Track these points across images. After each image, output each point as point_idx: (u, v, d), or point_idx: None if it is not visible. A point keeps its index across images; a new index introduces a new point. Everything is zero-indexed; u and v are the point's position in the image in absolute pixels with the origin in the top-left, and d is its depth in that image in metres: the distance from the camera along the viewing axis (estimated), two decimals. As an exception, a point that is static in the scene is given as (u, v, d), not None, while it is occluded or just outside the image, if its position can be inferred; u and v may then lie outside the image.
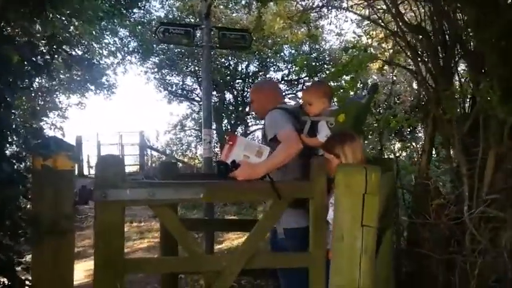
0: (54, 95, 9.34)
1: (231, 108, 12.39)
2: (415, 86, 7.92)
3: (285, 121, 2.23)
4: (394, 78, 7.58)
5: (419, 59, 3.83)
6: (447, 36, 3.63)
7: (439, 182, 3.66)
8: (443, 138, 3.49)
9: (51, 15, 1.98)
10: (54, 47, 1.73)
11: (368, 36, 5.34)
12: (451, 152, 3.30)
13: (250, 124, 12.89)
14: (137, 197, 1.76)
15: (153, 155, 13.61)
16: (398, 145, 7.78)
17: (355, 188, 1.24)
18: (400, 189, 3.31)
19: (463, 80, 3.95)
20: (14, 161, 1.59)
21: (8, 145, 1.54)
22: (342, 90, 5.52)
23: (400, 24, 3.77)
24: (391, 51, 5.20)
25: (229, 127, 12.25)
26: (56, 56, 1.71)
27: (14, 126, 1.54)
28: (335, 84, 5.31)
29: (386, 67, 5.96)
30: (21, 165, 1.75)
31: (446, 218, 2.43)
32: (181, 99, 13.05)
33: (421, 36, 3.78)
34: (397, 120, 4.51)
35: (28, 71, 1.66)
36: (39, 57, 1.67)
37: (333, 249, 1.30)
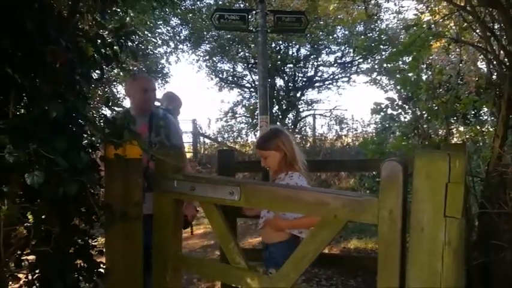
0: (112, 85, 9.79)
1: (281, 93, 12.31)
2: (479, 65, 7.38)
3: None
4: (458, 57, 7.11)
5: (490, 35, 3.54)
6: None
7: None
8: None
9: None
10: (123, 38, 1.76)
11: (431, 12, 5.01)
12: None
13: (301, 110, 12.74)
14: (182, 190, 1.77)
15: (205, 143, 13.91)
16: (461, 129, 7.33)
17: (438, 177, 1.16)
18: (469, 176, 3.11)
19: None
20: (90, 150, 1.65)
21: (84, 135, 1.60)
22: (403, 72, 5.27)
23: (470, -3, 3.50)
24: (453, 28, 4.86)
25: (280, 113, 12.20)
26: (125, 47, 1.74)
27: (89, 116, 1.60)
28: (395, 65, 5.07)
29: (451, 46, 5.60)
30: (95, 154, 1.83)
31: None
32: (232, 86, 13.18)
33: (493, 10, 3.48)
34: (465, 102, 4.23)
35: (100, 63, 1.71)
36: (108, 48, 1.71)
37: (410, 241, 1.23)
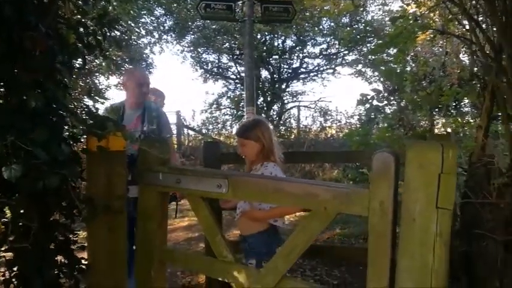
0: (94, 76, 9.57)
1: (267, 85, 12.26)
2: (462, 57, 7.47)
3: None
4: (443, 48, 7.17)
5: (476, 26, 3.56)
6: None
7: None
8: (502, 113, 3.26)
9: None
10: (106, 26, 1.70)
11: (417, 4, 5.02)
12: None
13: (286, 101, 12.72)
14: (167, 183, 1.73)
15: (189, 134, 13.79)
16: (443, 120, 7.44)
17: (431, 167, 1.14)
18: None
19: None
20: (71, 142, 1.59)
21: (65, 126, 1.53)
22: (388, 64, 5.29)
23: (457, -11, 3.50)
24: (438, 20, 4.89)
25: (265, 105, 12.16)
26: (108, 35, 1.67)
27: (70, 107, 1.53)
28: (379, 56, 5.07)
29: (436, 38, 5.63)
30: (77, 146, 1.77)
31: (511, 198, 2.27)
32: (217, 78, 13.05)
33: (478, 2, 3.50)
34: (448, 94, 4.27)
35: (82, 51, 1.64)
36: (91, 37, 1.64)
37: (401, 232, 1.22)
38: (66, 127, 1.61)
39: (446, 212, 1.15)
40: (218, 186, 1.58)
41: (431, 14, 5.04)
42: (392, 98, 4.03)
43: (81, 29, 1.52)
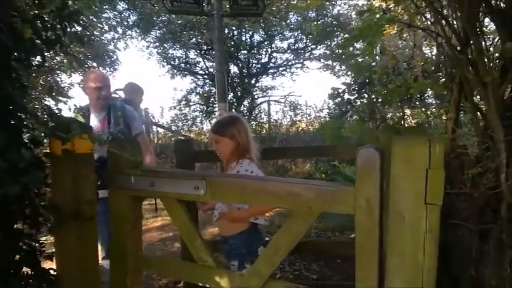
0: (55, 74, 9.17)
1: (236, 80, 12.15)
2: (424, 50, 7.64)
3: None
4: (410, 42, 7.30)
5: (442, 19, 3.61)
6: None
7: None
8: (470, 104, 3.33)
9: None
10: (67, 20, 1.57)
11: (382, -3, 5.06)
12: (479, 118, 3.14)
13: (256, 97, 12.67)
14: (140, 186, 1.62)
15: (159, 132, 13.50)
16: (408, 112, 7.61)
17: (418, 163, 1.11)
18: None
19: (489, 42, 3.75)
20: (32, 146, 1.46)
21: (24, 129, 1.40)
22: (354, 58, 5.31)
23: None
24: (402, 14, 4.95)
25: (235, 100, 12.06)
26: (69, 29, 1.54)
27: (29, 108, 1.40)
28: (347, 50, 5.09)
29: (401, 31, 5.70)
30: (39, 150, 1.63)
31: (484, 187, 2.31)
32: (184, 74, 12.82)
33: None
34: (416, 86, 4.33)
35: (40, 47, 1.50)
36: (50, 31, 1.51)
37: (390, 230, 1.18)
38: (25, 130, 1.48)
39: (435, 208, 1.12)
40: (195, 188, 1.49)
41: (397, 8, 5.11)
42: (363, 91, 4.05)
43: (39, 23, 1.38)
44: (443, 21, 3.65)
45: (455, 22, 3.63)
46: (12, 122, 1.29)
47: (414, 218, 1.13)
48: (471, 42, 3.41)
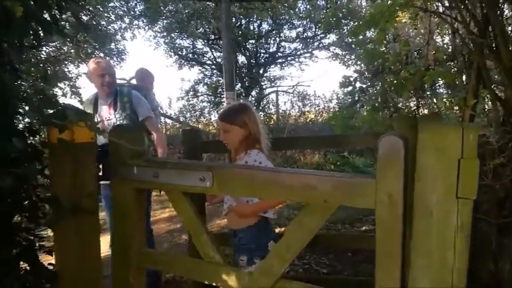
0: (63, 65, 9.12)
1: (244, 70, 11.99)
2: (435, 38, 7.41)
3: None
4: (416, 30, 7.08)
5: (459, 2, 3.44)
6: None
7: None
8: (490, 92, 3.17)
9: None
10: (63, 0, 1.46)
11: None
12: (498, 106, 2.99)
13: (264, 87, 12.51)
14: (143, 177, 1.51)
15: (167, 123, 13.43)
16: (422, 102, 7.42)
17: (449, 152, 0.99)
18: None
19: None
20: (28, 135, 1.37)
21: (20, 117, 1.30)
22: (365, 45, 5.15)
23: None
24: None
25: (243, 91, 11.91)
26: (65, 11, 1.44)
27: (25, 94, 1.29)
28: (358, 38, 4.93)
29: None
30: (36, 139, 1.54)
31: (507, 178, 2.18)
32: (192, 64, 12.68)
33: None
34: (431, 74, 4.17)
35: (35, 28, 1.40)
36: (45, 11, 1.41)
37: (415, 226, 1.07)
38: (21, 118, 1.39)
39: (467, 202, 1.01)
40: (201, 179, 1.39)
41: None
42: (376, 79, 3.90)
43: (31, 2, 1.28)
44: (461, 5, 3.48)
45: (471, 7, 3.46)
46: (2, 108, 1.19)
47: (443, 213, 1.02)
48: (490, 27, 3.25)
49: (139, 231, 1.64)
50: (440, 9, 4.56)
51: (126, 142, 1.53)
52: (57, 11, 1.37)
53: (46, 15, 1.43)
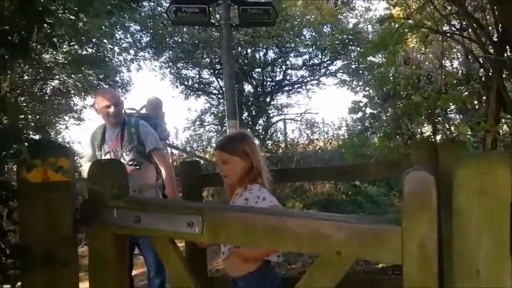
0: (68, 97, 9.12)
1: (251, 99, 11.90)
2: (445, 62, 7.24)
3: None
4: (424, 55, 6.94)
5: (474, 23, 3.27)
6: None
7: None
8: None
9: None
10: (35, 20, 1.29)
11: (403, 5, 4.74)
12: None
13: (271, 115, 12.38)
14: (123, 222, 1.29)
15: (173, 153, 13.27)
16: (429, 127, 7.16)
17: (498, 193, 0.76)
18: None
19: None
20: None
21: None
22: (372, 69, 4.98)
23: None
24: (426, 21, 4.62)
25: (249, 119, 11.78)
26: (36, 30, 1.27)
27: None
28: (370, 60, 4.77)
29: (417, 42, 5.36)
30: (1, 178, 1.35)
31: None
32: (198, 94, 12.64)
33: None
34: (445, 98, 3.95)
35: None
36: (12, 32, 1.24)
37: (456, 288, 0.83)
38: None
39: (526, 259, 0.77)
40: (189, 224, 1.17)
41: (419, 15, 4.79)
42: (387, 104, 3.70)
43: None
44: (475, 25, 3.31)
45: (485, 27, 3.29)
46: None
47: (495, 274, 0.78)
48: (507, 47, 3.07)
49: (120, 284, 1.40)
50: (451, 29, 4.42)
51: (104, 182, 1.33)
52: (24, 32, 1.20)
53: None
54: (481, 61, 3.31)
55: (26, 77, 7.19)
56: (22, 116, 1.42)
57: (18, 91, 6.82)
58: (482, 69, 3.72)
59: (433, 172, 0.88)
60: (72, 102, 9.16)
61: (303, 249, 1.12)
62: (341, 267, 0.99)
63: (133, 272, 4.82)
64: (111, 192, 1.28)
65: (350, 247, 0.95)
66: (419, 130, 4.02)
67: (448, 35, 3.99)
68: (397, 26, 3.93)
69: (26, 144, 1.12)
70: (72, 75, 7.72)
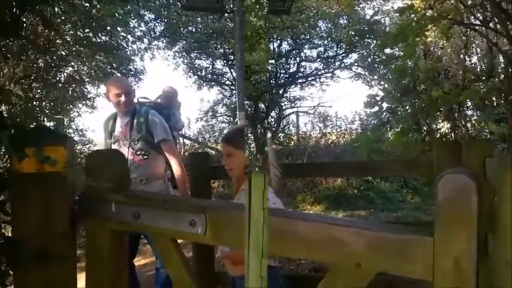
0: (82, 85, 9.08)
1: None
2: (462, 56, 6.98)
3: None
4: (442, 49, 6.70)
5: (503, 14, 3.08)
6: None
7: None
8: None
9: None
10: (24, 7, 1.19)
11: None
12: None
13: (284, 108, 12.22)
14: (122, 217, 1.20)
15: (185, 144, 13.22)
16: (447, 125, 6.93)
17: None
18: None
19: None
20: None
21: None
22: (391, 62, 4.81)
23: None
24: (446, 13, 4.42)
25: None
26: (29, 8, 1.17)
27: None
28: (388, 53, 4.60)
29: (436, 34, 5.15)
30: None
31: None
32: (211, 84, 12.53)
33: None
34: (468, 93, 3.77)
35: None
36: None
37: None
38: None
39: None
40: (191, 224, 1.06)
41: (439, 6, 4.58)
42: (405, 99, 3.54)
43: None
44: (503, 15, 3.12)
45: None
46: None
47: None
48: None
49: (118, 282, 1.31)
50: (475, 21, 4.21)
51: (103, 172, 1.23)
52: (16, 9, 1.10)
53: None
54: (508, 54, 3.11)
55: (41, 64, 7.16)
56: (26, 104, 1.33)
57: (33, 77, 6.80)
58: (507, 63, 3.52)
59: (472, 176, 0.75)
60: (85, 90, 9.11)
61: (318, 257, 1.01)
62: (360, 282, 0.87)
63: (142, 261, 4.77)
64: (108, 186, 1.18)
65: (371, 259, 0.83)
66: (434, 126, 3.85)
67: (473, 27, 3.79)
68: (418, 16, 3.75)
69: (6, 132, 1.00)
70: (87, 62, 7.68)
